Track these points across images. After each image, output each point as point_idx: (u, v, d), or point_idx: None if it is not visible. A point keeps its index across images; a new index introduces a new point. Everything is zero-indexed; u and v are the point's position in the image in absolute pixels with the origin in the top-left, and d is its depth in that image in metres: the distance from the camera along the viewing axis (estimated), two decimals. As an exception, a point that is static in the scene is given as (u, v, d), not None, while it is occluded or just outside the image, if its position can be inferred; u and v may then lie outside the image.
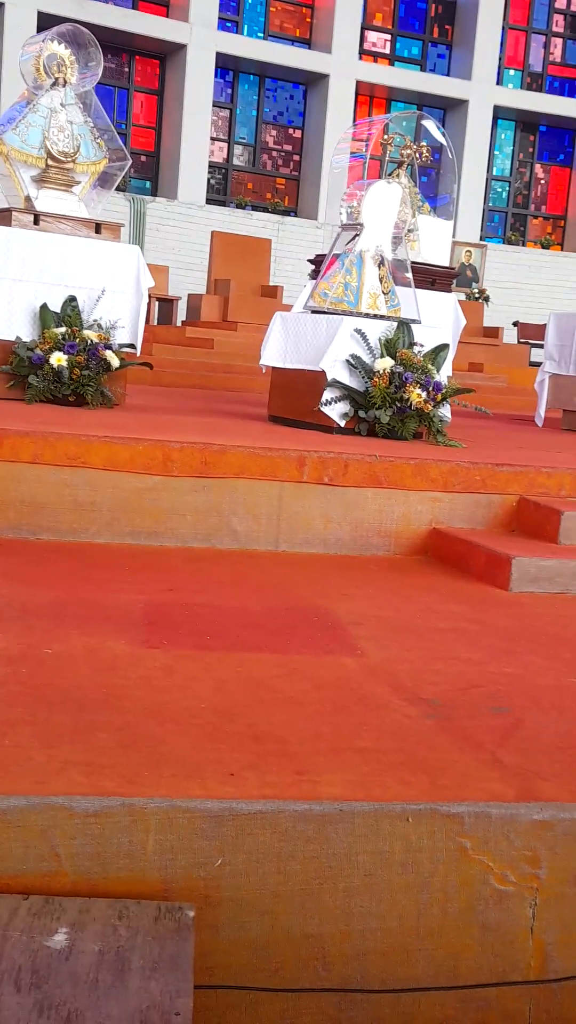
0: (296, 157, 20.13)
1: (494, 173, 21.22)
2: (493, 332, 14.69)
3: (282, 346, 5.77)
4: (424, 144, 7.92)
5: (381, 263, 5.67)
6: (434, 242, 7.67)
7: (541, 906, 1.93)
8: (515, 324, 16.71)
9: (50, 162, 5.91)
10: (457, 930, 1.91)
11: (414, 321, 5.58)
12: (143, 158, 19.02)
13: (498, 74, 20.39)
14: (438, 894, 1.89)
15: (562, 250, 21.26)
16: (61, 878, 1.76)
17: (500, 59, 20.43)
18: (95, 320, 5.69)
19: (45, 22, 15.27)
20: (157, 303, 14.01)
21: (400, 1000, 1.90)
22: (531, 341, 15.43)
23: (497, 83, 20.32)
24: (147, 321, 11.26)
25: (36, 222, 5.79)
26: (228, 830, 1.81)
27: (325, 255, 6.03)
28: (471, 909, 1.91)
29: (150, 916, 1.67)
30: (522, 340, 16.04)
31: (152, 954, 1.56)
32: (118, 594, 3.30)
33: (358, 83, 19.39)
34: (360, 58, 19.60)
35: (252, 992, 1.82)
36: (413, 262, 6.60)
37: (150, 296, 12.11)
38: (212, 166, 19.27)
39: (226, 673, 2.57)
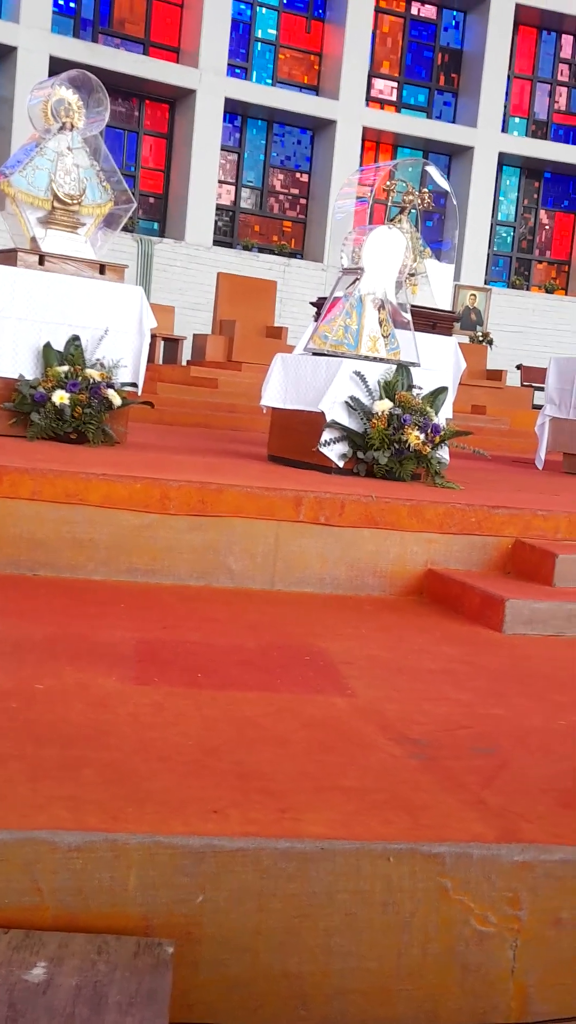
0: (303, 201, 20.37)
1: (499, 218, 21.44)
2: (496, 375, 14.78)
3: (282, 387, 5.83)
4: (427, 190, 8.04)
5: (381, 306, 5.74)
6: (436, 286, 7.76)
7: (522, 948, 1.93)
8: (518, 367, 16.82)
9: (56, 204, 6.01)
10: (437, 971, 1.91)
11: (413, 364, 5.64)
12: (151, 200, 19.26)
13: (503, 122, 20.67)
14: (418, 934, 1.90)
15: (566, 295, 21.43)
16: (42, 912, 1.77)
17: (505, 107, 20.72)
18: (98, 359, 5.76)
19: (57, 66, 15.53)
20: (163, 343, 14.13)
21: (380, 1041, 1.90)
22: (534, 384, 15.52)
23: (502, 130, 20.59)
24: (151, 360, 11.37)
25: (41, 262, 5.87)
26: (210, 867, 1.82)
27: (326, 298, 6.10)
28: (451, 950, 1.91)
29: (129, 951, 1.68)
30: (525, 383, 16.14)
31: (129, 989, 1.57)
32: (112, 631, 3.33)
33: (365, 129, 19.66)
34: (367, 105, 19.89)
35: (231, 1030, 1.82)
36: (414, 306, 6.68)
37: (155, 336, 12.24)
38: (219, 208, 19.49)
39: (215, 711, 2.59)
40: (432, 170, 8.66)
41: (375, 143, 20.32)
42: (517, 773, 2.32)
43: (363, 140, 19.78)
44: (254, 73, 19.54)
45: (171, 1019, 1.58)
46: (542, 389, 10.09)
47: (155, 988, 1.58)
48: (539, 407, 11.02)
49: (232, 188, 19.89)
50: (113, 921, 1.79)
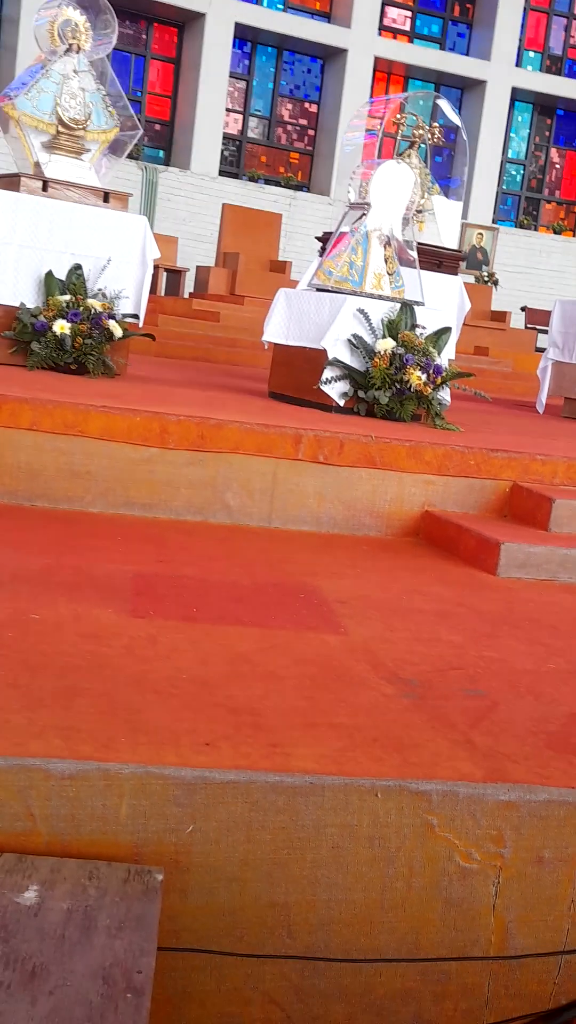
0: (311, 132, 20.01)
1: (509, 155, 21.09)
2: (500, 316, 14.66)
3: (285, 323, 5.78)
4: (437, 124, 7.88)
5: (387, 243, 5.67)
6: (443, 224, 7.65)
7: (504, 884, 1.98)
8: (523, 309, 16.67)
9: (61, 129, 5.90)
10: (420, 904, 1.95)
11: (417, 303, 5.59)
12: (157, 127, 18.92)
13: (518, 56, 20.23)
14: (403, 869, 1.94)
15: (574, 236, 21.17)
16: (35, 838, 1.81)
17: (520, 41, 20.26)
18: (100, 289, 5.70)
19: (63, -15, 15.13)
20: (165, 274, 13.97)
21: (362, 970, 1.95)
22: (538, 327, 15.40)
23: (516, 65, 20.16)
24: (153, 292, 11.24)
25: (45, 188, 5.78)
26: (200, 798, 1.86)
27: (332, 233, 6.03)
28: (435, 885, 1.95)
29: (119, 878, 1.72)
30: (529, 326, 16.01)
31: (119, 914, 1.61)
32: (108, 563, 3.34)
33: (376, 59, 19.24)
34: (379, 34, 19.44)
35: (217, 956, 1.87)
36: (421, 243, 6.59)
37: (157, 267, 12.09)
38: (226, 137, 19.15)
39: (209, 645, 2.61)
40: (444, 104, 8.50)
41: (386, 74, 19.91)
42: (506, 715, 2.35)
43: (374, 71, 19.36)
44: (265, -3, 19.07)
45: (159, 944, 1.62)
46: (546, 332, 10.06)
47: (144, 914, 1.62)
48: (542, 350, 10.95)
49: (240, 117, 19.52)
50: (104, 848, 1.83)
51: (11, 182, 5.79)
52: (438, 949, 1.97)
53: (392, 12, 19.90)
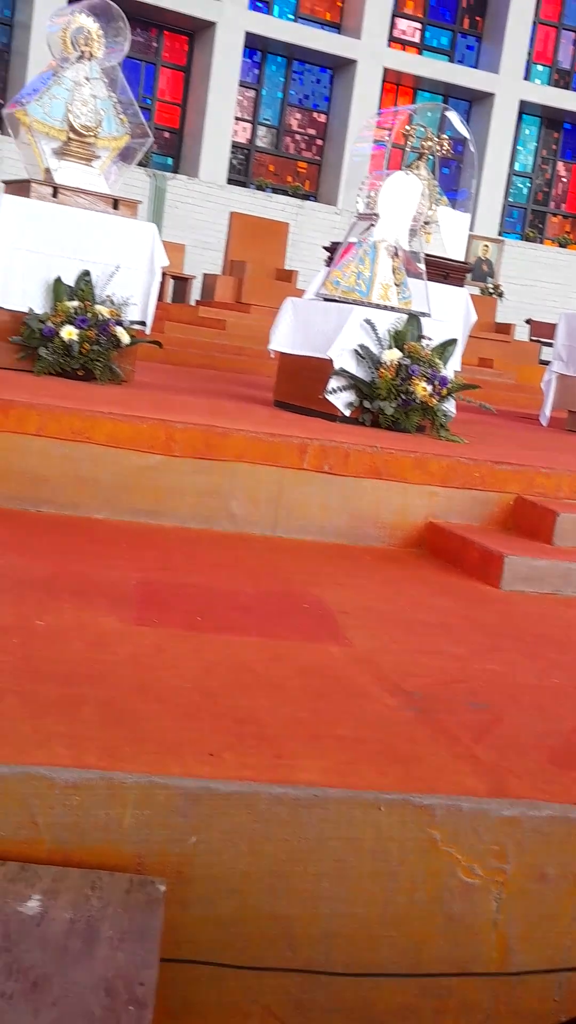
0: (319, 142, 20.05)
1: (516, 168, 21.11)
2: (505, 328, 14.67)
3: (291, 332, 5.79)
4: (446, 136, 7.91)
5: (395, 254, 5.68)
6: (450, 236, 7.68)
7: (505, 900, 1.97)
8: (527, 321, 16.68)
9: (71, 135, 5.92)
10: (422, 919, 1.95)
11: (424, 314, 5.59)
12: (167, 134, 18.96)
13: (526, 69, 20.26)
14: (405, 883, 1.94)
15: (579, 249, 21.18)
16: (38, 846, 1.81)
17: (529, 54, 20.29)
18: (108, 296, 5.71)
19: (75, -8, 15.17)
20: (172, 281, 14.01)
21: (362, 984, 1.95)
22: (542, 339, 15.40)
23: (524, 78, 20.18)
24: (160, 299, 11.27)
25: (55, 194, 5.80)
26: (204, 809, 1.85)
27: (340, 243, 6.04)
28: (437, 899, 1.95)
29: (122, 888, 1.71)
30: (534, 338, 16.02)
31: (121, 925, 1.60)
32: (113, 570, 3.34)
33: (385, 70, 19.27)
34: (389, 45, 19.48)
35: (218, 968, 1.86)
36: (428, 255, 6.61)
37: (164, 274, 12.11)
38: (235, 146, 19.19)
39: (213, 655, 2.61)
40: (452, 116, 8.52)
41: (395, 85, 19.94)
42: (510, 729, 2.35)
43: (383, 82, 19.40)
44: (276, 7, 19.11)
45: (160, 956, 1.61)
46: (550, 345, 10.05)
47: (146, 925, 1.62)
48: (546, 363, 10.96)
49: (248, 126, 19.55)
50: (107, 858, 1.82)
51: (22, 188, 5.80)
52: (439, 964, 1.97)
53: (402, 24, 19.95)
